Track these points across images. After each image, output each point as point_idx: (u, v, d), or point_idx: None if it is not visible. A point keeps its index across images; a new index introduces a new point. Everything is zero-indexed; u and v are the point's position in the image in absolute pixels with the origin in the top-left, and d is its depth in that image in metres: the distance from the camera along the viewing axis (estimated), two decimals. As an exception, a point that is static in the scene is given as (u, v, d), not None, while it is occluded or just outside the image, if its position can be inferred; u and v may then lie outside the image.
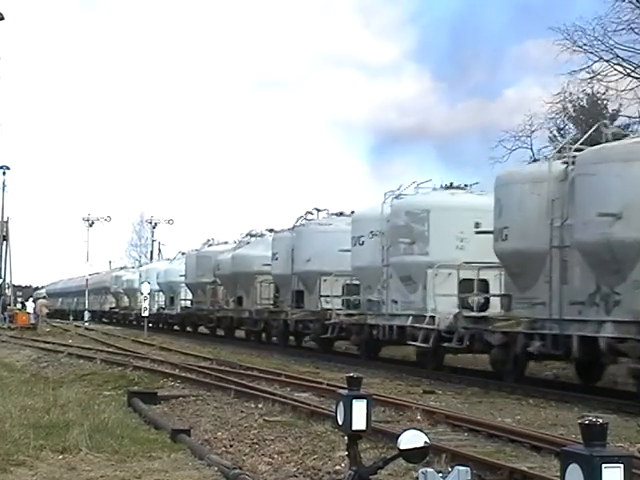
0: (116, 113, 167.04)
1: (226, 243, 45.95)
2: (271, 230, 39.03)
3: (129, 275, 70.80)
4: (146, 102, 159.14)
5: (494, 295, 22.28)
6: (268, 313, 36.37)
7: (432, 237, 24.32)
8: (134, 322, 62.08)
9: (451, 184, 26.24)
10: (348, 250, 28.41)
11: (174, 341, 39.56)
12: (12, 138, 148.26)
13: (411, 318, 24.07)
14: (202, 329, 49.37)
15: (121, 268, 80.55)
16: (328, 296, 30.58)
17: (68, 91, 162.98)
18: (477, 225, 23.06)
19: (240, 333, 48.75)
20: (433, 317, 22.79)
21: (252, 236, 41.04)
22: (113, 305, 74.60)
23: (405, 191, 26.46)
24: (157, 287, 56.50)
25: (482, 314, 21.52)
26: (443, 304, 22.89)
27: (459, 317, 21.87)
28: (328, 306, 30.34)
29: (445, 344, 22.43)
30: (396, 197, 26.19)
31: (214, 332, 46.13)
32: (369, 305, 27.37)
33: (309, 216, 34.08)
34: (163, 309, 56.93)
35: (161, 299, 57.95)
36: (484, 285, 22.52)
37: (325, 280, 30.86)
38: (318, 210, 34.02)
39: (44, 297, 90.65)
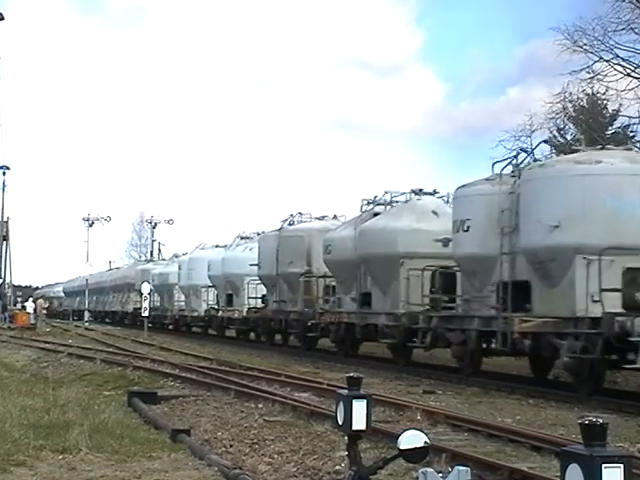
0: (116, 113, 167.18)
1: (322, 218, 34.08)
2: (418, 191, 27.10)
3: (161, 268, 57.39)
4: (146, 102, 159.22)
5: None
6: (439, 319, 22.53)
7: None
8: (169, 326, 53.42)
9: None
10: None
11: (174, 341, 39.53)
12: (12, 138, 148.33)
13: None
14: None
15: (148, 261, 69.65)
16: (611, 290, 17.16)
17: (68, 91, 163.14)
18: None
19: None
20: None
21: (380, 204, 28.11)
22: (138, 305, 59.06)
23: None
24: (207, 282, 44.48)
25: None
26: None
27: None
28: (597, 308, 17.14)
29: None
30: None
31: (311, 345, 32.30)
32: None
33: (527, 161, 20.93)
34: (215, 310, 43.44)
35: (211, 297, 44.79)
36: None
37: (590, 262, 17.50)
38: (560, 141, 21.20)
39: (42, 297, 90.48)
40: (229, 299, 41.47)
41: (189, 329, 49.54)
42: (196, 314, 46.81)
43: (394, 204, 27.52)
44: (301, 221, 34.50)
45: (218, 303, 43.44)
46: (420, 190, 26.93)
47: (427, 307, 23.58)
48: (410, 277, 24.23)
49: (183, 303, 50.24)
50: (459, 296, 22.69)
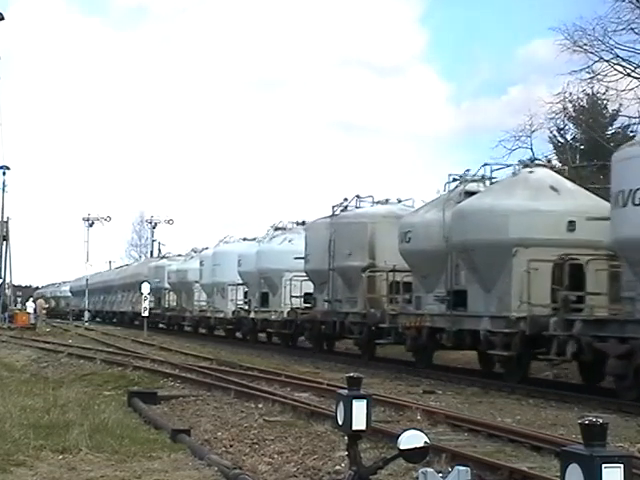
0: (116, 113, 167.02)
1: (386, 202, 28.98)
2: (530, 162, 22.22)
3: (178, 264, 51.92)
4: (146, 102, 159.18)
5: None
6: (585, 324, 17.36)
7: None
8: (187, 327, 48.35)
9: None
10: None
11: (174, 341, 39.50)
12: (12, 138, 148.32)
13: None
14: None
15: (162, 257, 63.14)
16: None
17: (68, 91, 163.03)
18: None
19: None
20: None
21: (473, 181, 23.35)
22: (151, 306, 52.62)
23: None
24: (234, 279, 39.71)
25: None
26: None
27: None
28: None
29: None
30: None
31: (372, 353, 27.61)
32: None
33: None
34: (246, 311, 38.29)
35: (240, 296, 39.97)
36: None
37: None
38: None
39: (42, 296, 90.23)
40: (264, 298, 36.26)
41: (211, 332, 44.77)
42: (221, 315, 41.66)
43: (492, 179, 22.81)
44: (358, 206, 29.23)
45: (249, 303, 38.44)
46: (532, 160, 22.04)
47: (553, 309, 18.76)
48: (531, 270, 19.17)
49: (205, 303, 45.39)
50: (588, 293, 18.41)
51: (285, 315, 33.07)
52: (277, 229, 37.56)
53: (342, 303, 28.41)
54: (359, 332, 27.05)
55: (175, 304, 51.81)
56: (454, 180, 23.45)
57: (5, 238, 62.22)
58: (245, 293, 39.58)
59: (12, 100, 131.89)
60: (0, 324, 53.03)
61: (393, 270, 25.36)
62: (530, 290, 19.10)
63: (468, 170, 23.52)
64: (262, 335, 38.29)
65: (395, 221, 25.93)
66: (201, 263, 45.57)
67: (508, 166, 22.50)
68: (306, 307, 32.23)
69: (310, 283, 31.72)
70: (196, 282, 46.62)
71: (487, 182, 23.12)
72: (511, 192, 20.87)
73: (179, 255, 56.43)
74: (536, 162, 22.13)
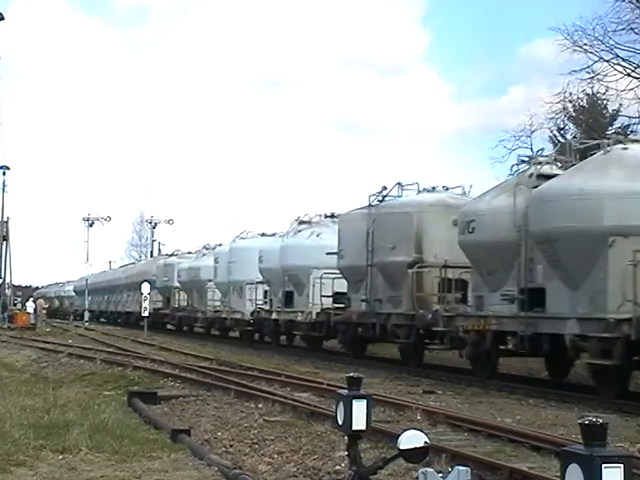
0: (116, 113, 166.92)
1: (433, 190, 25.94)
2: (624, 137, 19.28)
3: (190, 262, 48.99)
4: (147, 102, 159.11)
5: None
6: None
7: None
8: (199, 328, 46.21)
9: None
10: None
11: (174, 341, 39.50)
12: (12, 138, 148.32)
13: None
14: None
15: (170, 255, 58.39)
16: None
17: (68, 91, 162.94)
18: None
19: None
20: None
21: (547, 163, 20.21)
22: (159, 306, 52.68)
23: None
24: (252, 277, 36.57)
25: None
26: None
27: None
28: None
29: None
30: None
31: (420, 360, 24.71)
32: None
33: None
34: (267, 312, 35.30)
35: (259, 295, 36.72)
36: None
37: None
38: None
39: (42, 296, 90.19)
40: (288, 298, 33.17)
41: (225, 333, 42.37)
42: (238, 316, 38.61)
43: (569, 160, 19.55)
44: (400, 195, 26.04)
45: (270, 303, 35.45)
46: (625, 135, 18.68)
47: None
48: (637, 263, 16.29)
49: (219, 303, 42.39)
50: None
51: (314, 316, 30.21)
52: (302, 223, 33.86)
53: (382, 303, 25.22)
54: (406, 336, 23.88)
55: (186, 304, 49.16)
56: (522, 162, 20.60)
57: (5, 238, 62.23)
58: (265, 292, 36.44)
59: (12, 100, 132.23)
60: (0, 324, 53.05)
61: (446, 266, 22.26)
62: (636, 287, 16.14)
63: (542, 149, 20.61)
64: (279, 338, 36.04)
65: (444, 210, 23.65)
66: (216, 260, 42.22)
67: (595, 145, 19.06)
68: (337, 307, 29.21)
69: (342, 281, 28.71)
70: (209, 281, 43.55)
71: (559, 164, 20.05)
72: (604, 172, 17.59)
73: (189, 252, 52.93)
74: (630, 137, 18.87)
